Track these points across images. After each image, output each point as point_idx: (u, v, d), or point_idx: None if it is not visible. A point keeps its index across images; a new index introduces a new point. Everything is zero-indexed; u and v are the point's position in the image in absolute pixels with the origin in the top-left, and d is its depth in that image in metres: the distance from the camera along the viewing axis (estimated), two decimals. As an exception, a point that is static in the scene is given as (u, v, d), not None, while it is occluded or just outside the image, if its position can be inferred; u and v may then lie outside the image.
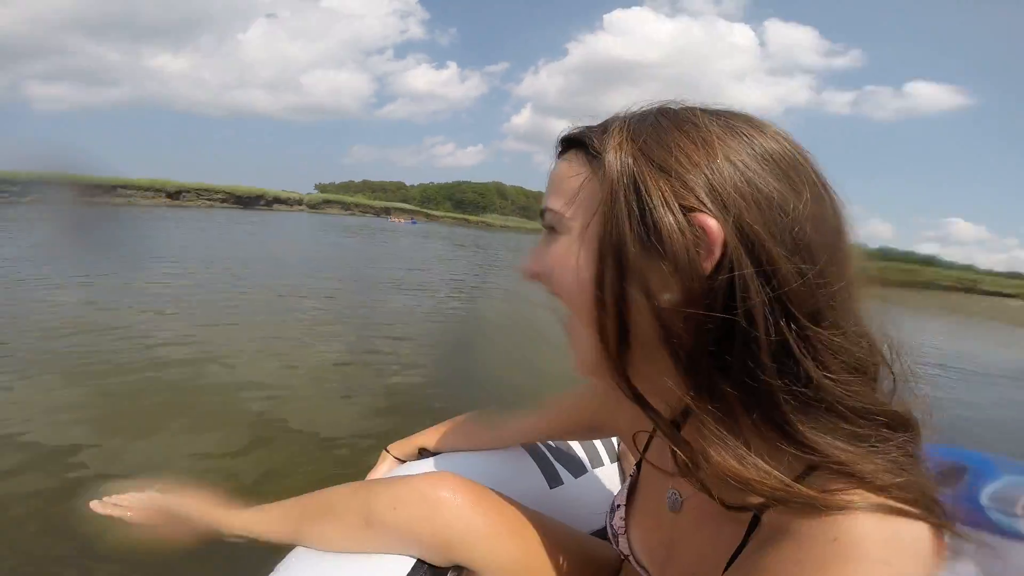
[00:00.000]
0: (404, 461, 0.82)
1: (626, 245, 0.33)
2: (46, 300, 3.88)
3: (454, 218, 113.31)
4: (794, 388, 0.31)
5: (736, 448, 0.32)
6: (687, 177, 0.32)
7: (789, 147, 0.34)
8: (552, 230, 0.39)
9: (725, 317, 0.31)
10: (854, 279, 0.33)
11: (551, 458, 0.81)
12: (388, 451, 0.84)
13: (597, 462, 0.88)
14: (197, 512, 0.72)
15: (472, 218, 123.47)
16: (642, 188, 0.33)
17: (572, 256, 0.37)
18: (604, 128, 0.38)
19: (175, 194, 50.40)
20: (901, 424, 0.33)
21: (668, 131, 0.35)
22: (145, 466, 1.68)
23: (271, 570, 0.60)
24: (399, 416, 2.32)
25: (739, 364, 0.32)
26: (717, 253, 0.31)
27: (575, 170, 0.38)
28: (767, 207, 0.32)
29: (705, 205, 0.32)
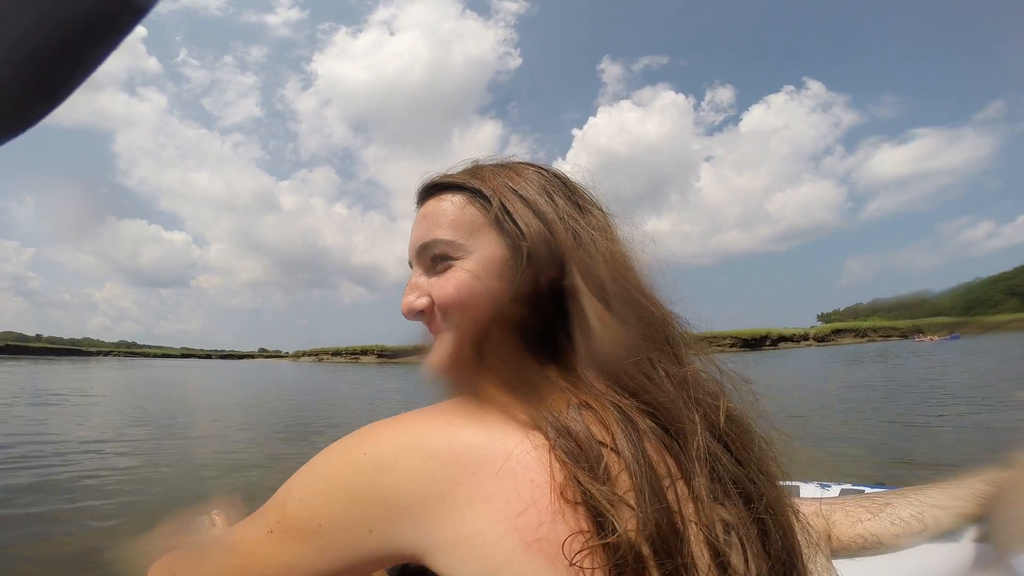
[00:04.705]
0: None
1: (519, 249, 0.44)
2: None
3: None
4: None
5: None
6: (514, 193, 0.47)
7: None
8: (444, 259, 0.47)
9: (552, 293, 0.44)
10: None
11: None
12: None
13: None
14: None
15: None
16: (507, 205, 0.46)
17: (478, 272, 0.45)
18: (472, 173, 0.49)
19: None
20: None
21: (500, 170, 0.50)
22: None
23: None
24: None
25: (565, 331, 0.43)
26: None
27: (459, 205, 0.48)
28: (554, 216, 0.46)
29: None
